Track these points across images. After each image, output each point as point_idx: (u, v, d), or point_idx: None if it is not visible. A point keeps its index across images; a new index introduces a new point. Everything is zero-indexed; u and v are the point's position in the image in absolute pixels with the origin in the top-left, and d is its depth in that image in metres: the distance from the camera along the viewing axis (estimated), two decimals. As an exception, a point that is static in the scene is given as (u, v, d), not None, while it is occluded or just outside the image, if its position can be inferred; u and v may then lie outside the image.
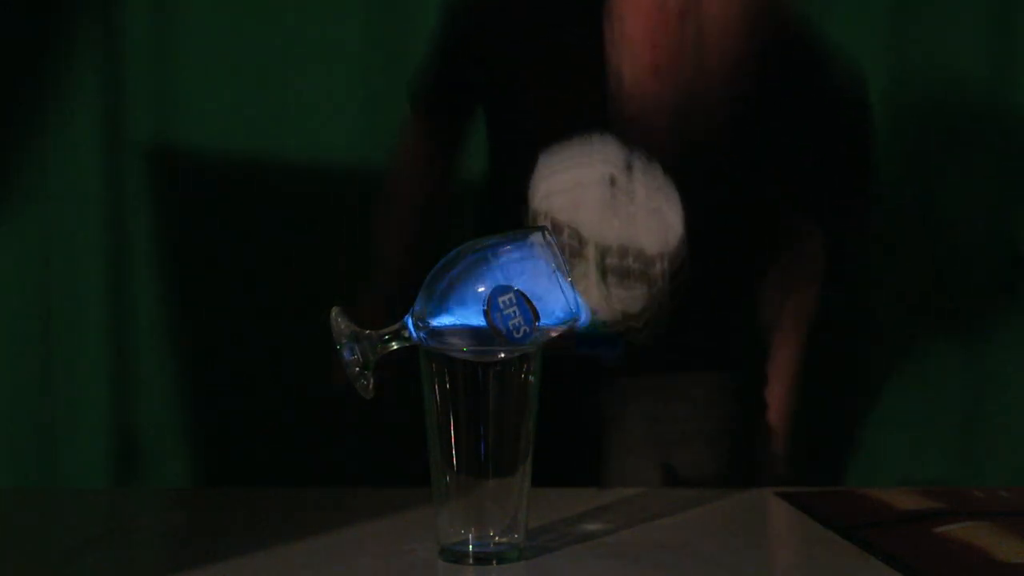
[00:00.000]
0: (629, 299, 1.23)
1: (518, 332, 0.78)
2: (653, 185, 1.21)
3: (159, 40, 1.66)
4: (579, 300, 0.80)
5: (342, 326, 0.81)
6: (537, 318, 0.78)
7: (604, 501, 1.00)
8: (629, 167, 1.21)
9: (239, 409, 1.68)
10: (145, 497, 1.27)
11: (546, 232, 0.80)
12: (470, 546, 0.82)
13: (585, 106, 1.25)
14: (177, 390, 1.70)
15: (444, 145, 1.44)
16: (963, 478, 1.71)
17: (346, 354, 0.81)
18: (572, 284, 0.79)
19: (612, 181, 1.21)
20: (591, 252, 1.21)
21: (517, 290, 0.77)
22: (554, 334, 0.80)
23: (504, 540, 0.82)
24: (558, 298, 0.79)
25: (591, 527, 0.92)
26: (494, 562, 0.82)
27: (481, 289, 0.78)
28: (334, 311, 0.82)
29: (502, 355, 0.79)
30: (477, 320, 0.78)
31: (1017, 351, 1.73)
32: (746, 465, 1.41)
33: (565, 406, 1.34)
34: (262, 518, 0.96)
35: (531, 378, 0.81)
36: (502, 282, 0.78)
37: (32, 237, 1.67)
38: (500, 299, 0.77)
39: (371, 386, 0.82)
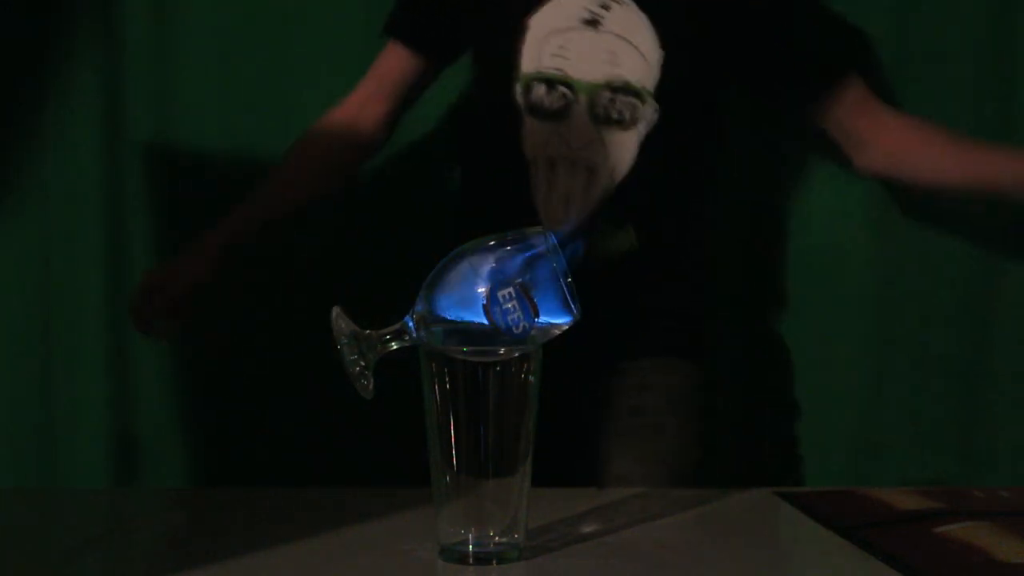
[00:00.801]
0: (619, 145, 1.36)
1: (517, 328, 0.78)
2: (630, 19, 1.36)
3: (159, 40, 1.66)
4: (577, 304, 0.79)
5: (342, 326, 0.82)
6: (536, 314, 0.78)
7: (604, 501, 1.00)
8: (606, 7, 1.36)
9: (239, 409, 1.68)
10: (145, 497, 1.27)
11: (548, 233, 0.80)
12: (470, 546, 0.82)
13: None
14: (177, 390, 1.70)
15: (412, 77, 1.50)
16: (963, 478, 1.71)
17: (346, 354, 0.81)
18: (572, 284, 0.79)
19: (594, 23, 1.36)
20: (583, 100, 1.36)
21: (517, 284, 0.77)
22: (555, 332, 0.80)
23: (504, 540, 0.82)
24: (560, 299, 0.79)
25: (591, 527, 0.92)
26: (494, 562, 0.82)
27: (482, 289, 0.78)
28: (335, 311, 0.82)
29: (502, 354, 0.79)
30: (478, 320, 0.78)
31: (1017, 349, 1.73)
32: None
33: (565, 406, 1.34)
34: (262, 518, 0.96)
35: (531, 378, 0.81)
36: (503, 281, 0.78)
37: (32, 237, 1.67)
38: (500, 294, 0.77)
39: (371, 386, 0.82)
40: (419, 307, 0.80)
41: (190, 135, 1.67)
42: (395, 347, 0.82)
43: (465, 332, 0.79)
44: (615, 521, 0.94)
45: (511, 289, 0.77)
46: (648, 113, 1.36)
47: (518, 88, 1.38)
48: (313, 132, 1.52)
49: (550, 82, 1.36)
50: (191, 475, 1.70)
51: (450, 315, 0.79)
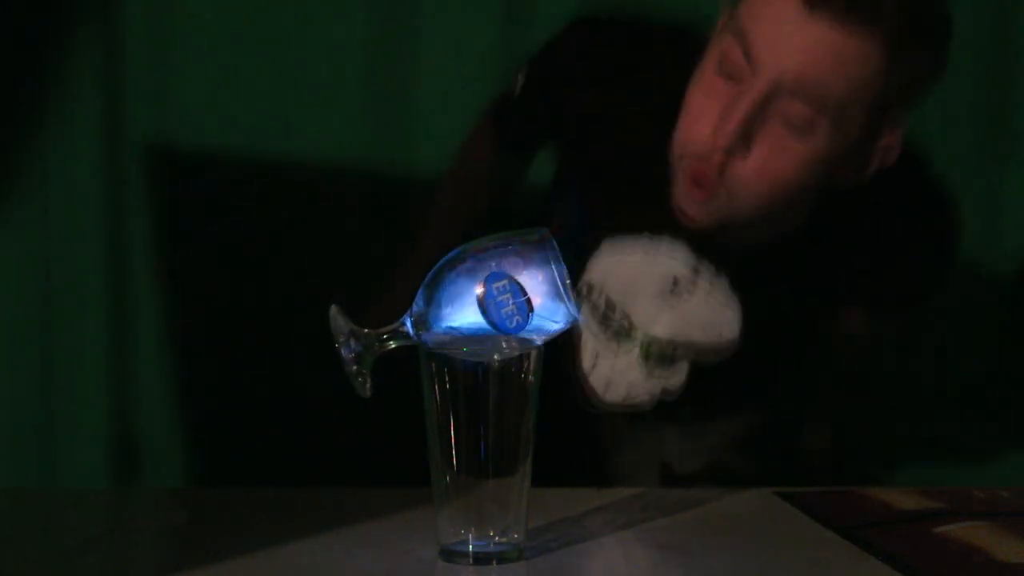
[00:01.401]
0: (669, 378, 1.21)
1: (512, 321, 0.77)
2: (716, 295, 1.20)
3: (159, 40, 1.66)
4: (578, 305, 0.79)
5: (341, 324, 0.82)
6: (531, 308, 0.78)
7: (604, 501, 1.00)
8: (696, 271, 1.19)
9: (239, 409, 1.68)
10: (145, 497, 1.27)
11: (548, 235, 0.80)
12: (470, 546, 0.82)
13: (663, 207, 1.19)
14: (177, 390, 1.70)
15: (510, 157, 1.42)
16: (963, 478, 1.71)
17: (345, 352, 0.81)
18: (571, 287, 0.79)
19: (675, 282, 1.19)
20: (638, 336, 1.19)
21: (511, 278, 0.77)
22: (553, 335, 0.80)
23: (504, 540, 0.82)
24: (558, 300, 0.79)
25: (591, 527, 0.92)
26: (494, 562, 0.82)
27: (484, 289, 0.78)
28: (333, 309, 0.82)
29: (502, 354, 0.79)
30: (477, 320, 0.78)
31: (1017, 349, 1.73)
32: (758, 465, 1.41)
33: (565, 406, 1.34)
34: (262, 518, 0.96)
35: (531, 378, 0.81)
36: (502, 281, 0.78)
37: (32, 237, 1.67)
38: (494, 286, 0.77)
39: (369, 385, 0.82)
40: (419, 306, 0.80)
41: (190, 135, 1.67)
42: (394, 346, 0.82)
43: (465, 332, 0.79)
44: (615, 521, 0.94)
45: (505, 282, 0.77)
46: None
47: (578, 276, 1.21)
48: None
49: (609, 306, 1.20)
50: (191, 475, 1.70)
51: (450, 314, 0.79)
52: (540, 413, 0.82)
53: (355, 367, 0.81)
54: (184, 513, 1.03)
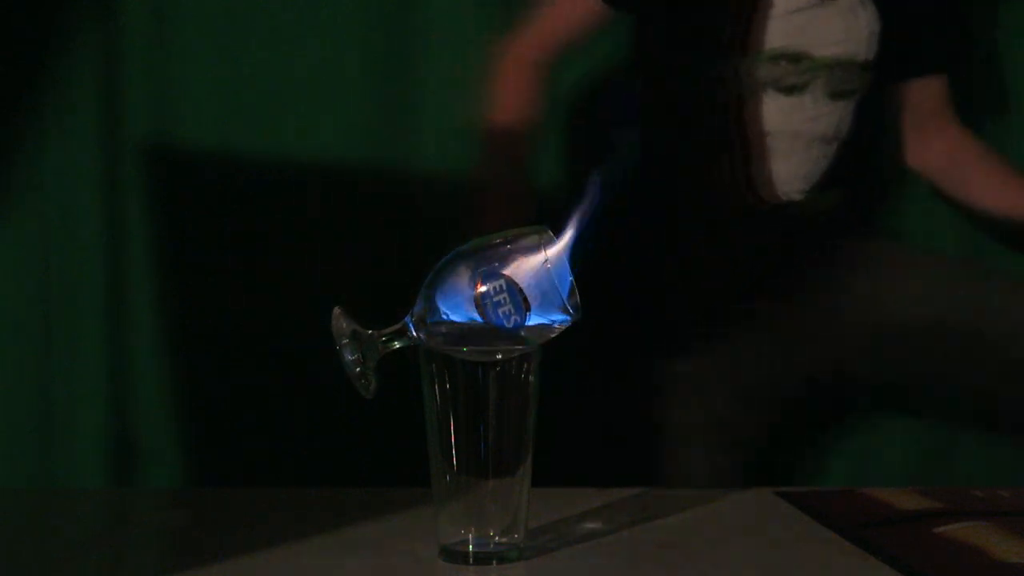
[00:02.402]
0: (845, 115, 1.48)
1: (508, 321, 0.77)
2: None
3: (159, 40, 1.66)
4: (578, 301, 0.79)
5: (343, 326, 0.82)
6: (528, 308, 0.78)
7: (604, 501, 1.00)
8: None
9: (238, 409, 1.68)
10: (144, 497, 1.27)
11: (546, 232, 0.80)
12: (470, 546, 0.82)
13: None
14: (176, 390, 1.70)
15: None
16: (963, 478, 1.71)
17: (347, 354, 0.81)
18: (572, 283, 0.79)
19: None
20: (822, 75, 1.46)
21: (506, 277, 0.77)
22: (553, 335, 0.80)
23: (504, 540, 0.82)
24: (557, 298, 0.79)
25: (591, 527, 0.92)
26: (494, 562, 0.82)
27: (481, 290, 0.78)
28: (336, 310, 0.82)
29: (502, 354, 0.79)
30: (476, 319, 0.78)
31: (1015, 348, 1.73)
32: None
33: (567, 405, 1.34)
34: (262, 518, 0.96)
35: (531, 378, 0.81)
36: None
37: (31, 237, 1.67)
38: (490, 286, 0.77)
39: (372, 386, 0.82)
40: (419, 307, 0.80)
41: (190, 135, 1.67)
42: (396, 347, 0.82)
43: (465, 332, 0.79)
44: (615, 521, 0.94)
45: (501, 282, 0.77)
46: (866, 82, 1.49)
47: (754, 63, 1.45)
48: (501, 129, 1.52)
49: (794, 58, 1.45)
50: (190, 475, 1.70)
51: (450, 315, 0.79)
52: (540, 412, 0.82)
53: (358, 369, 0.81)
54: (184, 513, 1.03)
